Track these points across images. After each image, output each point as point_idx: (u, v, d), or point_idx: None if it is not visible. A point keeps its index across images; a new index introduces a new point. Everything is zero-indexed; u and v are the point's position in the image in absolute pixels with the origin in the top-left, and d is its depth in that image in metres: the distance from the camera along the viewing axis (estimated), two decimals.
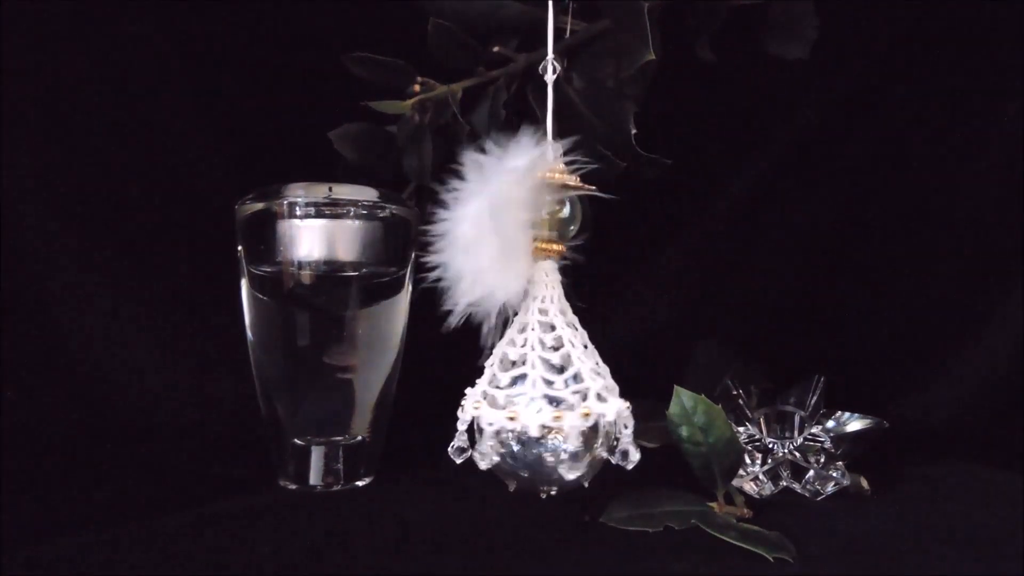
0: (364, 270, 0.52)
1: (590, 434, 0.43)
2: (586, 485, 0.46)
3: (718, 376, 0.59)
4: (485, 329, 0.45)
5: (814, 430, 0.52)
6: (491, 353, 0.46)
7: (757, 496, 0.51)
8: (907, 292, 0.72)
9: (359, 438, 0.53)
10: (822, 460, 0.51)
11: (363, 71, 0.58)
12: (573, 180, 0.45)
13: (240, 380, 0.57)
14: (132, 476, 0.56)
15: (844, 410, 0.54)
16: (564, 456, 0.43)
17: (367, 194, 0.52)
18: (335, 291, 0.52)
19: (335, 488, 0.52)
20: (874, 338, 0.73)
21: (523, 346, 0.45)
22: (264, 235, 0.51)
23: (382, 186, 0.54)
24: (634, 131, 0.55)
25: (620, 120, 0.56)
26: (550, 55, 0.47)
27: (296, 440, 0.53)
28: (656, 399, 0.50)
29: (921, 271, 0.72)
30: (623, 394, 0.45)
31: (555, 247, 0.45)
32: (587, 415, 0.42)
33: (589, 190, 0.47)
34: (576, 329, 0.46)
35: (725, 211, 0.76)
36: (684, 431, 0.46)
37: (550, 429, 0.42)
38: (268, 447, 0.54)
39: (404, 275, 0.54)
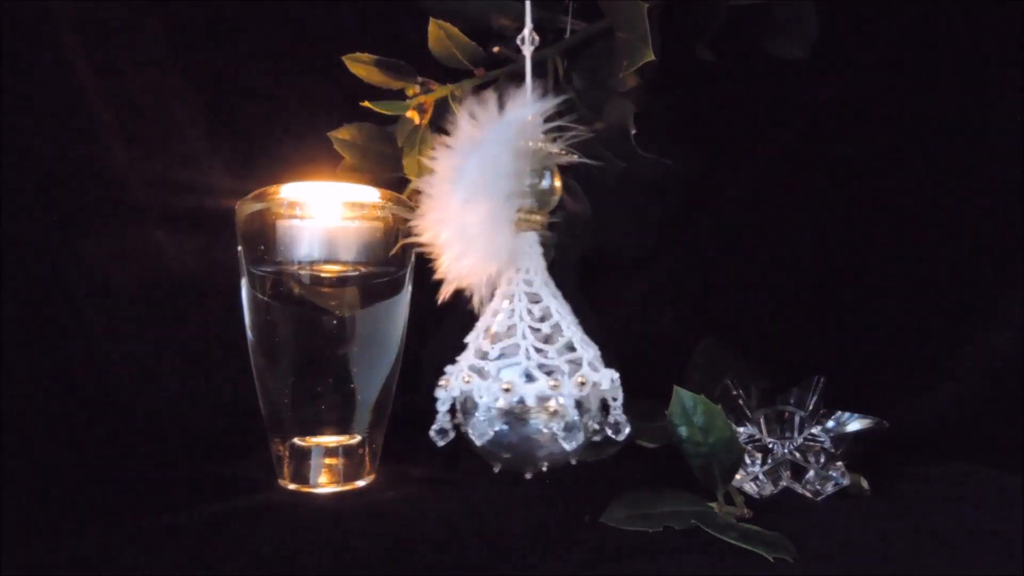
0: (364, 270, 0.52)
1: (584, 404, 0.43)
2: (574, 462, 0.46)
3: (718, 376, 0.59)
4: (476, 300, 0.45)
5: (814, 430, 0.52)
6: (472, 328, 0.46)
7: (757, 496, 0.51)
8: (907, 292, 0.72)
9: (359, 438, 0.53)
10: (822, 460, 0.51)
11: (363, 71, 0.58)
12: (556, 148, 0.45)
13: (240, 380, 0.57)
14: (133, 476, 0.56)
15: (844, 410, 0.54)
16: (559, 428, 0.43)
17: (367, 194, 0.52)
18: (335, 291, 0.52)
19: (335, 488, 0.52)
20: (874, 338, 0.72)
21: (510, 317, 0.45)
22: (264, 235, 0.51)
23: (382, 186, 0.54)
24: (634, 131, 0.55)
25: (620, 120, 0.56)
26: (528, 25, 0.47)
27: (296, 440, 0.53)
28: (656, 399, 0.50)
29: (921, 271, 0.71)
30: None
31: (537, 218, 0.46)
32: (583, 383, 0.43)
33: (572, 157, 0.47)
34: (560, 300, 0.46)
35: (725, 211, 0.76)
36: (684, 431, 0.46)
37: (547, 399, 0.42)
38: (268, 447, 0.54)
39: (404, 275, 0.54)
